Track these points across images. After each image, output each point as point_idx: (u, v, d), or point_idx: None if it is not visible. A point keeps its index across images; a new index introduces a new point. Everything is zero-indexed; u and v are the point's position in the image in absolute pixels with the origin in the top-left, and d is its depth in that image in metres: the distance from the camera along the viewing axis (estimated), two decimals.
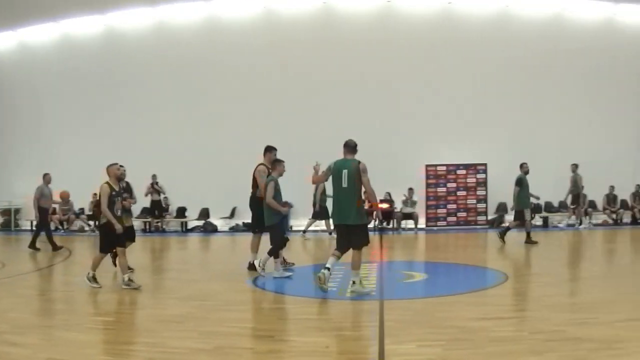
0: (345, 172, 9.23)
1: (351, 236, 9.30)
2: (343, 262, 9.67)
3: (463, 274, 11.10)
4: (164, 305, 9.14)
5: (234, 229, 22.30)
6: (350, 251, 9.35)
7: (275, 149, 11.84)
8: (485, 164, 22.33)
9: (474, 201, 22.50)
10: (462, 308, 8.51)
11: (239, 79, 22.54)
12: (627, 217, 22.83)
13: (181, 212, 23.11)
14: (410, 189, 20.96)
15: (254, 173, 11.73)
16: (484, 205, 22.49)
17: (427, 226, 22.09)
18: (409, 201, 21.33)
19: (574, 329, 7.01)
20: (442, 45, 22.40)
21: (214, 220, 22.80)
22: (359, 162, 9.28)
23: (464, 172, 22.52)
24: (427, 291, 10.20)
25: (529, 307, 8.80)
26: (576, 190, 20.49)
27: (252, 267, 11.41)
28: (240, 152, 21.13)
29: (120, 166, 10.69)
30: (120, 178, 10.69)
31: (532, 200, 16.78)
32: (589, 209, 22.17)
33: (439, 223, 22.35)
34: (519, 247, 15.87)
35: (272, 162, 11.38)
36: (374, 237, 18.23)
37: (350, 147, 9.46)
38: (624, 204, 22.86)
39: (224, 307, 8.78)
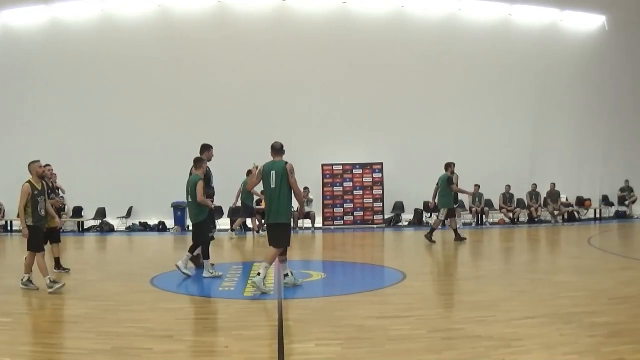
0: (273, 173, 9.70)
1: (280, 234, 9.74)
2: (241, 261, 9.49)
3: (361, 273, 11.11)
4: (63, 306, 8.97)
5: (131, 229, 22.08)
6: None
7: (212, 147, 12.03)
8: (381, 164, 22.68)
9: (371, 200, 22.78)
10: (360, 307, 8.59)
11: (131, 77, 22.00)
12: (523, 216, 23.76)
13: (77, 212, 22.53)
14: (306, 188, 20.98)
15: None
16: (380, 204, 22.78)
17: (324, 225, 22.24)
18: (305, 200, 21.22)
19: (472, 327, 7.15)
20: (337, 45, 22.69)
21: (110, 220, 22.35)
22: (287, 163, 9.73)
23: (360, 171, 22.80)
24: (326, 290, 10.23)
25: (426, 305, 8.89)
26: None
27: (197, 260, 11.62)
28: (137, 152, 21.21)
29: (47, 165, 10.43)
30: (43, 176, 10.25)
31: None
32: (486, 208, 22.84)
33: (336, 222, 22.53)
34: (417, 245, 16.06)
35: (200, 152, 11.72)
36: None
37: (277, 149, 9.91)
38: (521, 203, 23.74)
39: (123, 307, 8.64)
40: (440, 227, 17.27)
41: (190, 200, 11.11)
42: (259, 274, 9.46)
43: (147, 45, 22.00)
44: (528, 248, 16.92)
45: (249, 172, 17.83)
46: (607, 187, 26.05)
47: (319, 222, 21.86)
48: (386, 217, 22.90)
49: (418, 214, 23.07)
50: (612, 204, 25.95)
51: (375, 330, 7.10)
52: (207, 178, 11.58)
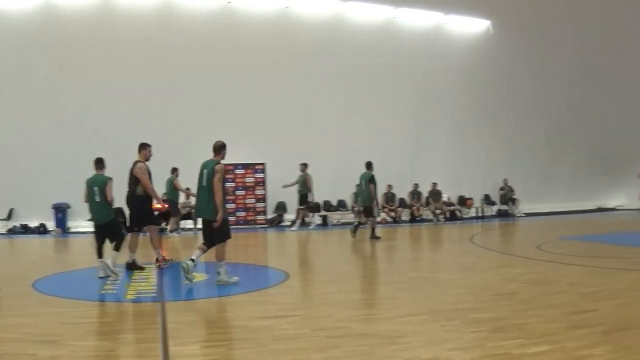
0: (205, 172, 10.28)
1: (213, 231, 10.21)
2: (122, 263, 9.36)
3: (244, 274, 11.12)
4: None
5: (12, 232, 21.35)
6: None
7: (150, 146, 12.30)
8: (264, 164, 22.86)
9: (254, 200, 22.90)
10: (245, 308, 8.63)
11: (12, 74, 21.08)
12: (405, 216, 24.48)
13: None
14: (188, 189, 20.78)
15: (132, 171, 11.95)
16: (263, 204, 22.87)
17: None
18: (187, 201, 21.03)
19: (357, 325, 7.29)
20: (220, 45, 22.69)
21: None
22: (217, 163, 10.25)
23: (242, 171, 22.92)
24: (209, 292, 10.11)
25: (311, 305, 8.99)
26: (305, 190, 21.12)
27: (132, 266, 11.79)
28: (17, 152, 20.58)
29: None
30: None
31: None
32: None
33: None
34: (299, 245, 16.23)
35: (139, 150, 12.10)
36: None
37: (214, 148, 10.49)
38: (403, 203, 24.47)
39: (5, 312, 8.40)
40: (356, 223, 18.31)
41: (98, 200, 11.12)
42: (219, 273, 10.07)
43: (27, 45, 21.10)
44: (411, 247, 17.40)
45: (174, 170, 18.85)
46: (488, 186, 27.36)
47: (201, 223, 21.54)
48: (269, 217, 23.03)
49: (306, 214, 23.21)
50: (494, 203, 27.23)
51: (260, 330, 7.13)
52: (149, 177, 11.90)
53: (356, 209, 22.98)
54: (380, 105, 24.63)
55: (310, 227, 21.80)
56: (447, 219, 25.18)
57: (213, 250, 10.36)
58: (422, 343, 6.47)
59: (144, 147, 12.22)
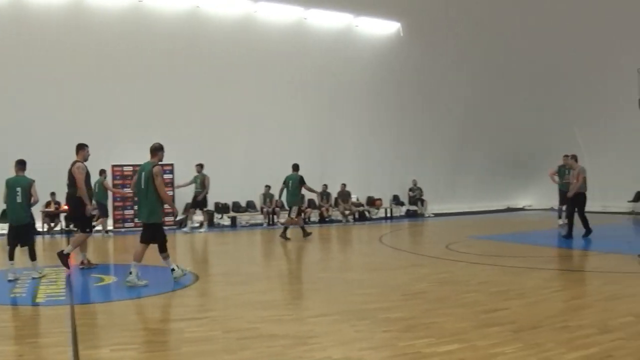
0: (143, 174, 10.45)
1: (145, 231, 10.60)
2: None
3: (153, 276, 10.89)
4: None
5: None
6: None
7: (87, 146, 12.25)
8: (172, 165, 22.43)
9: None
10: (154, 310, 8.64)
11: None
12: (314, 216, 24.60)
13: None
14: (117, 187, 20.45)
15: (70, 170, 12.01)
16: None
17: (115, 228, 21.76)
18: None
19: (268, 326, 7.27)
20: (130, 45, 22.18)
21: None
22: (155, 165, 10.41)
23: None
24: (118, 294, 9.95)
25: (221, 306, 8.88)
26: (202, 190, 21.02)
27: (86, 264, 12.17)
28: None
29: None
30: None
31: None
32: (277, 209, 23.32)
33: (126, 225, 22.15)
34: (208, 246, 16.08)
35: (77, 151, 12.06)
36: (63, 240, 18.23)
37: (151, 149, 10.68)
38: (312, 203, 24.54)
39: None
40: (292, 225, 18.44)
41: (19, 201, 11.08)
42: (130, 273, 10.11)
43: None
44: (320, 247, 17.42)
45: (101, 172, 19.12)
46: (397, 187, 27.79)
47: (110, 225, 21.39)
48: (177, 218, 22.67)
49: (209, 214, 23.07)
50: (402, 203, 27.67)
51: (170, 333, 7.15)
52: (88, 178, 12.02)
53: (265, 209, 23.05)
54: (289, 106, 24.67)
55: (202, 230, 21.52)
56: (356, 220, 25.45)
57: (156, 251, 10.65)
58: (333, 343, 6.49)
59: (81, 148, 12.15)
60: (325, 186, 24.63)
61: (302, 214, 19.16)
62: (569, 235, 16.28)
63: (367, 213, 26.41)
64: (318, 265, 13.56)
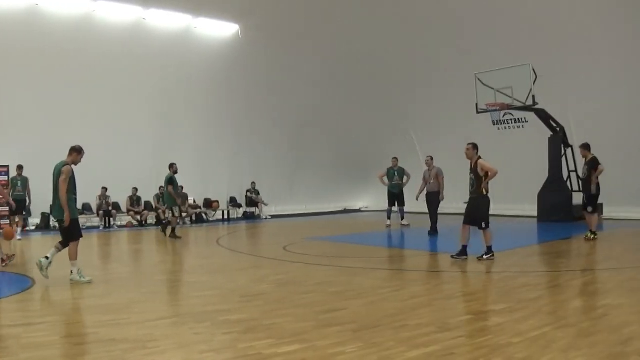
0: (56, 172, 10.63)
1: (63, 230, 10.70)
2: None
3: None
4: None
5: None
6: None
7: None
8: (7, 166, 21.69)
9: None
10: None
11: None
12: (151, 219, 24.06)
13: None
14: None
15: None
16: (6, 208, 21.37)
17: None
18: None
19: (107, 330, 7.07)
20: None
21: None
22: (66, 164, 10.55)
23: None
24: None
25: (59, 311, 8.59)
26: (25, 194, 19.89)
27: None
28: None
29: None
30: None
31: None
32: (113, 211, 22.73)
33: None
34: (45, 250, 15.29)
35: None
36: None
37: (70, 149, 10.82)
38: (148, 206, 23.99)
39: None
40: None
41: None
42: (72, 272, 10.46)
43: None
44: (157, 250, 17.08)
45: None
46: (235, 188, 27.69)
47: None
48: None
49: (45, 218, 22.44)
50: (240, 205, 27.59)
51: (7, 339, 6.80)
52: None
53: (101, 212, 22.45)
54: (128, 106, 24.20)
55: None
56: (193, 222, 25.22)
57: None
58: (173, 346, 6.41)
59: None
60: (162, 188, 24.10)
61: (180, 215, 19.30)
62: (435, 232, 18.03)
63: (204, 215, 26.16)
64: (156, 268, 13.27)
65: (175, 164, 18.85)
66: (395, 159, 21.68)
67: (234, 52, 26.77)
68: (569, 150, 21.92)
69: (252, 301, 8.81)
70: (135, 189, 23.83)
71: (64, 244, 10.69)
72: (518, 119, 25.07)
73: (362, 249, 15.58)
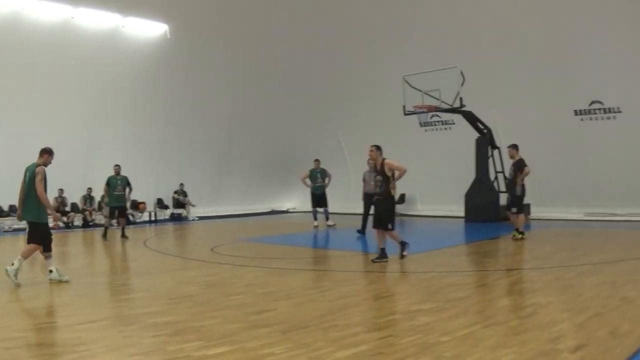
0: (28, 174, 10.87)
1: (34, 232, 10.92)
2: None
3: None
4: None
5: None
6: None
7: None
8: None
9: None
10: None
11: None
12: (78, 220, 23.63)
13: None
14: None
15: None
16: None
17: None
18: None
19: (35, 334, 7.04)
20: None
21: None
22: (38, 165, 10.78)
23: None
24: None
25: None
26: None
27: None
28: None
29: None
30: None
31: None
32: None
33: None
34: None
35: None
36: None
37: (41, 151, 11.11)
38: (75, 207, 23.53)
39: None
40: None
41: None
42: (12, 264, 10.37)
43: None
44: (84, 252, 16.81)
45: None
46: (162, 190, 27.36)
47: None
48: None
49: None
50: (166, 207, 27.27)
51: None
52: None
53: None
54: (56, 107, 23.68)
55: None
56: (119, 223, 24.64)
57: None
58: (102, 349, 6.35)
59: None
60: (90, 189, 23.80)
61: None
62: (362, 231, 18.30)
63: (131, 217, 25.74)
64: (83, 270, 13.09)
65: (118, 165, 19.51)
66: (317, 160, 21.78)
67: (162, 52, 26.46)
68: (496, 152, 22.40)
69: (181, 303, 8.78)
70: (61, 190, 23.31)
71: (46, 248, 10.83)
72: (445, 120, 25.53)
73: (291, 250, 15.62)
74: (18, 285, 10.21)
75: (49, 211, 10.95)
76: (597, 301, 8.05)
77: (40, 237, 10.78)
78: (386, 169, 12.10)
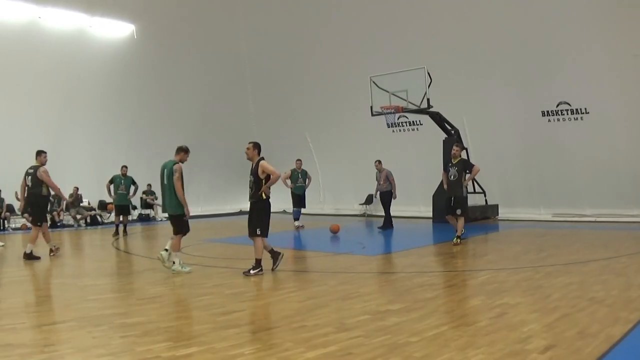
0: (165, 171, 12.05)
1: (173, 223, 12.15)
2: None
3: None
4: None
5: None
6: None
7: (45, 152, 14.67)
8: None
9: None
10: None
11: None
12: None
13: None
14: None
15: (37, 174, 14.36)
16: None
17: None
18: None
19: (3, 335, 6.98)
20: None
21: None
22: (175, 163, 12.13)
23: None
24: None
25: None
26: None
27: (28, 256, 14.03)
28: None
29: None
30: None
31: None
32: (7, 213, 22.67)
33: None
34: None
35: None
36: None
37: (177, 149, 12.38)
38: None
39: None
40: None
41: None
42: (173, 262, 11.61)
43: None
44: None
45: None
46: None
47: None
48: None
49: None
50: (135, 207, 27.06)
51: None
52: None
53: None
54: (21, 107, 23.56)
55: None
56: (87, 224, 24.80)
57: None
58: (71, 350, 6.34)
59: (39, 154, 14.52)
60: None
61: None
62: (389, 226, 20.29)
63: (99, 217, 25.59)
64: (51, 271, 12.96)
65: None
66: (299, 160, 21.81)
67: (129, 53, 26.36)
68: (463, 153, 22.57)
69: (149, 304, 8.78)
70: (77, 188, 23.31)
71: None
72: (413, 121, 25.66)
73: None
74: (190, 272, 11.49)
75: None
76: (565, 301, 8.16)
77: (184, 226, 11.99)
78: (259, 171, 11.46)
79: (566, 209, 22.24)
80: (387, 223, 20.43)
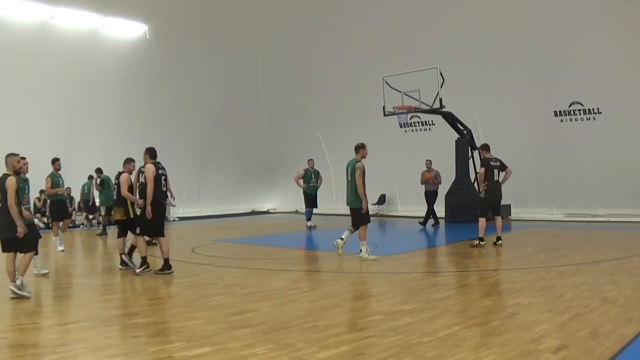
0: (349, 169, 13.08)
1: (357, 217, 13.13)
2: None
3: None
4: None
5: None
6: None
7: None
8: None
9: None
10: None
11: None
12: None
13: None
14: None
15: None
16: None
17: None
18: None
19: (16, 335, 7.03)
20: None
21: None
22: (357, 161, 12.98)
23: None
24: None
25: None
26: None
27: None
28: None
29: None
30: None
31: None
32: None
33: None
34: None
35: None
36: None
37: (355, 147, 13.22)
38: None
39: None
40: None
41: None
42: (360, 250, 12.72)
43: None
44: (64, 253, 16.56)
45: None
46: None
47: None
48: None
49: None
50: None
51: None
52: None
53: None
54: (33, 108, 23.57)
55: None
56: (99, 224, 24.56)
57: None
58: (84, 350, 6.33)
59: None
60: (69, 189, 23.47)
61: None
62: (436, 223, 21.43)
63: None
64: (63, 271, 13.01)
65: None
66: (312, 160, 21.76)
67: (142, 53, 26.39)
68: (475, 153, 22.47)
69: (161, 304, 8.83)
70: (43, 192, 23.14)
71: (355, 227, 13.11)
72: (425, 121, 25.57)
73: (271, 250, 15.64)
74: (375, 259, 12.48)
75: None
76: (578, 302, 8.11)
77: (363, 218, 12.96)
78: (141, 176, 12.12)
79: (578, 209, 22.11)
80: (434, 220, 21.53)
